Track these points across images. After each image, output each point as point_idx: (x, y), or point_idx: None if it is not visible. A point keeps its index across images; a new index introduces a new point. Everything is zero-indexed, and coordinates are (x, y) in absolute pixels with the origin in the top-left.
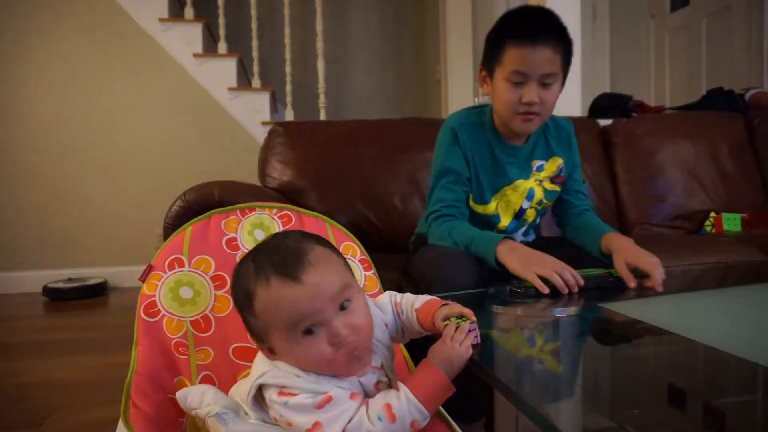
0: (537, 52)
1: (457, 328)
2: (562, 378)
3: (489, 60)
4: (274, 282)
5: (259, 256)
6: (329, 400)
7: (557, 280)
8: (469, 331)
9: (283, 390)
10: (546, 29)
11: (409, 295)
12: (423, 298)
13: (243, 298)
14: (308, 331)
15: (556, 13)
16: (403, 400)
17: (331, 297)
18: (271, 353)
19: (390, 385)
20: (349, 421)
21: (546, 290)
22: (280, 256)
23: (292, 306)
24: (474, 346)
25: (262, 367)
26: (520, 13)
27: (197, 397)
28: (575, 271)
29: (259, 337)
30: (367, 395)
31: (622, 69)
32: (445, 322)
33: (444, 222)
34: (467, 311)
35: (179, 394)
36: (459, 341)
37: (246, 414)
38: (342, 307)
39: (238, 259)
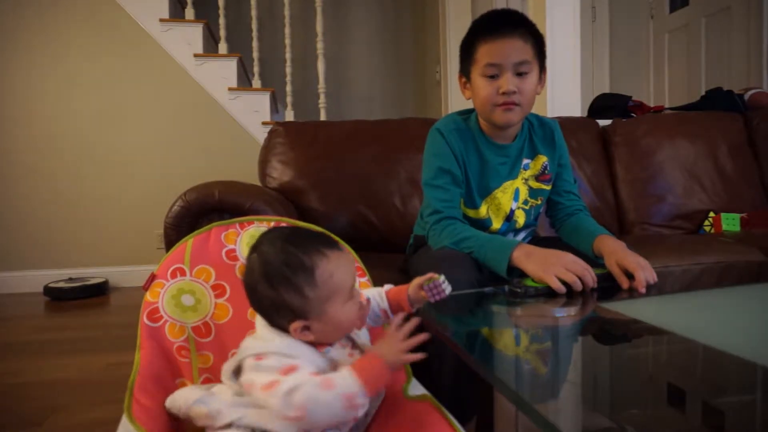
0: (506, 42)
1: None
2: (562, 377)
3: (465, 64)
4: (330, 253)
5: (292, 242)
6: (294, 369)
7: (574, 281)
8: (441, 283)
9: (260, 354)
10: (512, 22)
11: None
12: (388, 286)
13: (296, 275)
14: (350, 297)
15: (523, 13)
16: (344, 373)
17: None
18: (304, 330)
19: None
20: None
21: (563, 290)
22: (313, 236)
23: (348, 271)
24: (443, 300)
25: (253, 345)
26: (487, 15)
27: (182, 398)
28: (592, 269)
29: (303, 314)
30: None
31: (621, 69)
32: (425, 282)
33: (448, 225)
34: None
35: (167, 403)
36: (400, 339)
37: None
38: None
39: (237, 270)
